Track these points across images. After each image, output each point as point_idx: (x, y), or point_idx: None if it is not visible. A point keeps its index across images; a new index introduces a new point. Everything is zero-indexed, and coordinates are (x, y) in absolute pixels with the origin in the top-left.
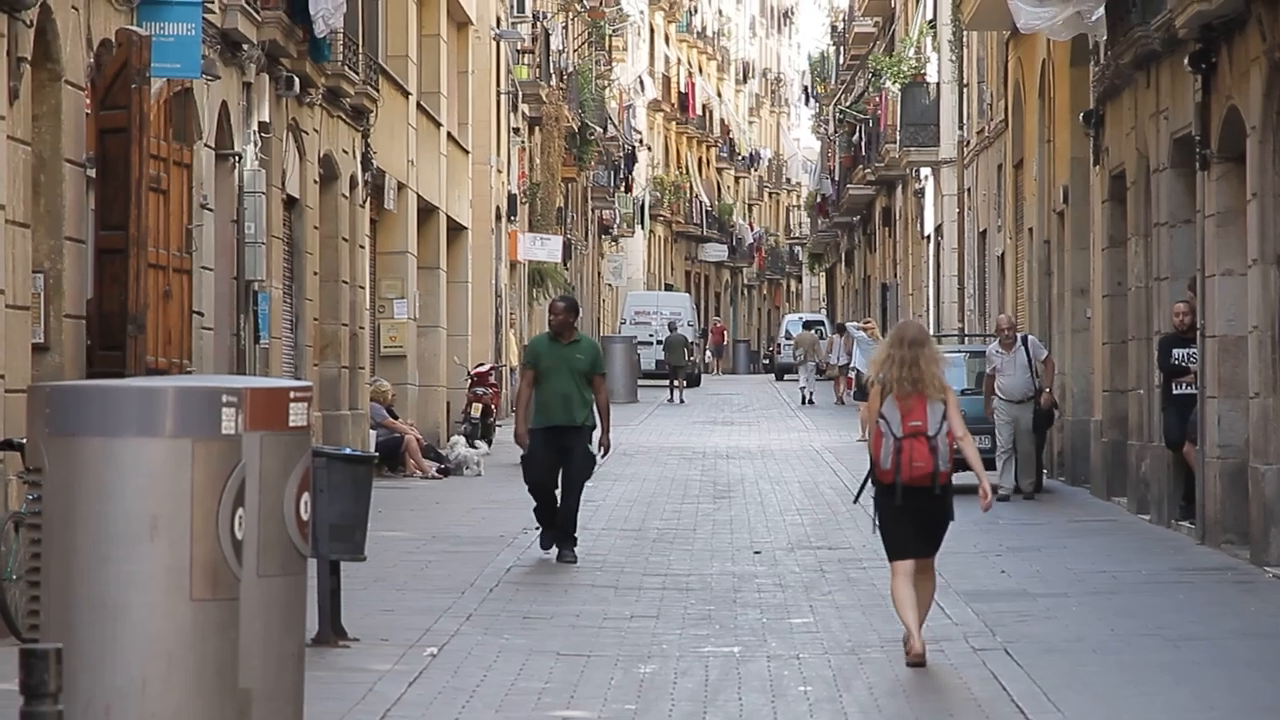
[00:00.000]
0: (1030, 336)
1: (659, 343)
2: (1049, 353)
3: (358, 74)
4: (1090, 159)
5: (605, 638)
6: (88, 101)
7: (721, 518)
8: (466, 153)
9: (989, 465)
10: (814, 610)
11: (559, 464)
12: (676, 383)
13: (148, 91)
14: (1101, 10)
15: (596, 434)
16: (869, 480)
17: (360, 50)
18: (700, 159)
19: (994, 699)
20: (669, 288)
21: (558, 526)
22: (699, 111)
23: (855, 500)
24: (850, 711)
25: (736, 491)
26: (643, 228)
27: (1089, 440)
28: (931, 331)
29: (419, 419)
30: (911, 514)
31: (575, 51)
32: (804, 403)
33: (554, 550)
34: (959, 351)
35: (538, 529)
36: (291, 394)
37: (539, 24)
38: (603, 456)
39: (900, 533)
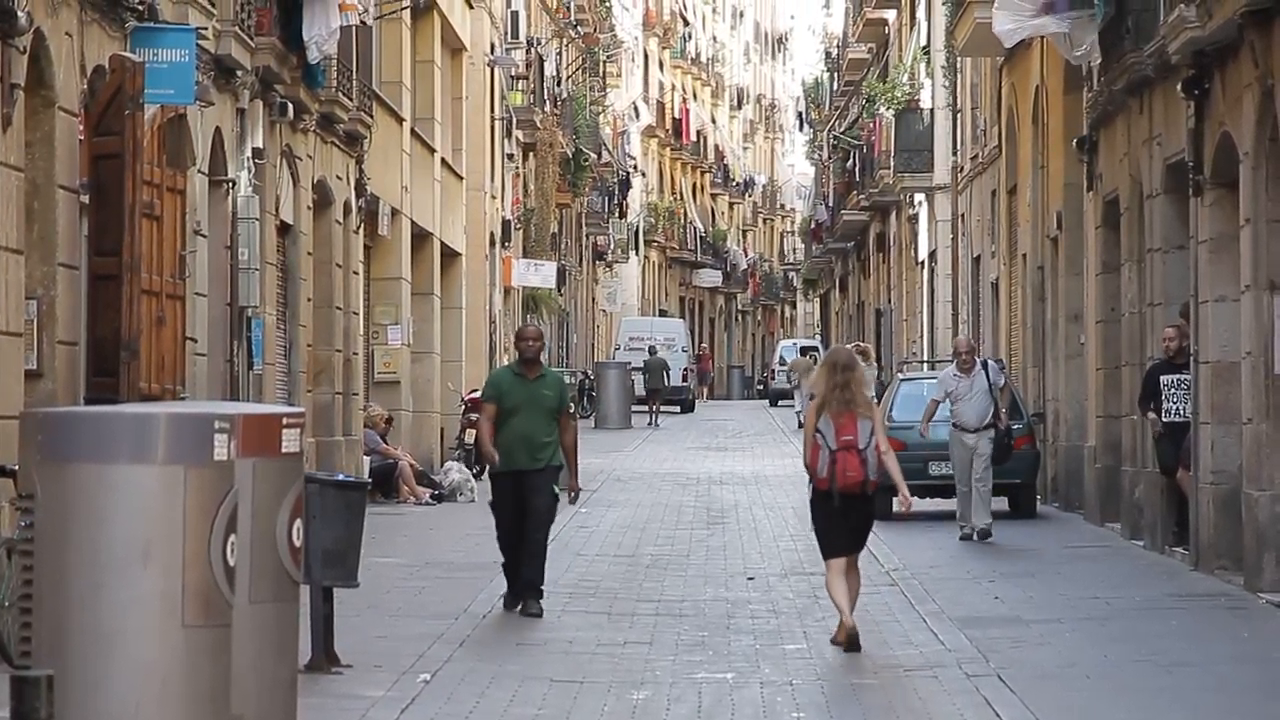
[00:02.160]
0: (990, 361)
1: None
2: (1008, 381)
3: (352, 100)
4: (1084, 184)
5: (598, 664)
6: (81, 127)
7: (715, 544)
8: (461, 179)
9: (942, 491)
10: (807, 636)
11: (524, 510)
12: (654, 406)
13: (141, 118)
14: (1090, 40)
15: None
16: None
17: (354, 76)
18: (694, 185)
19: None
20: (663, 313)
21: (522, 578)
22: (693, 137)
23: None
24: None
25: (730, 517)
26: (637, 253)
27: (1083, 466)
28: (925, 357)
29: (413, 445)
30: (843, 517)
31: (569, 77)
32: (800, 426)
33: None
34: None
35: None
36: (284, 420)
37: (533, 50)
38: (572, 501)
39: (834, 534)
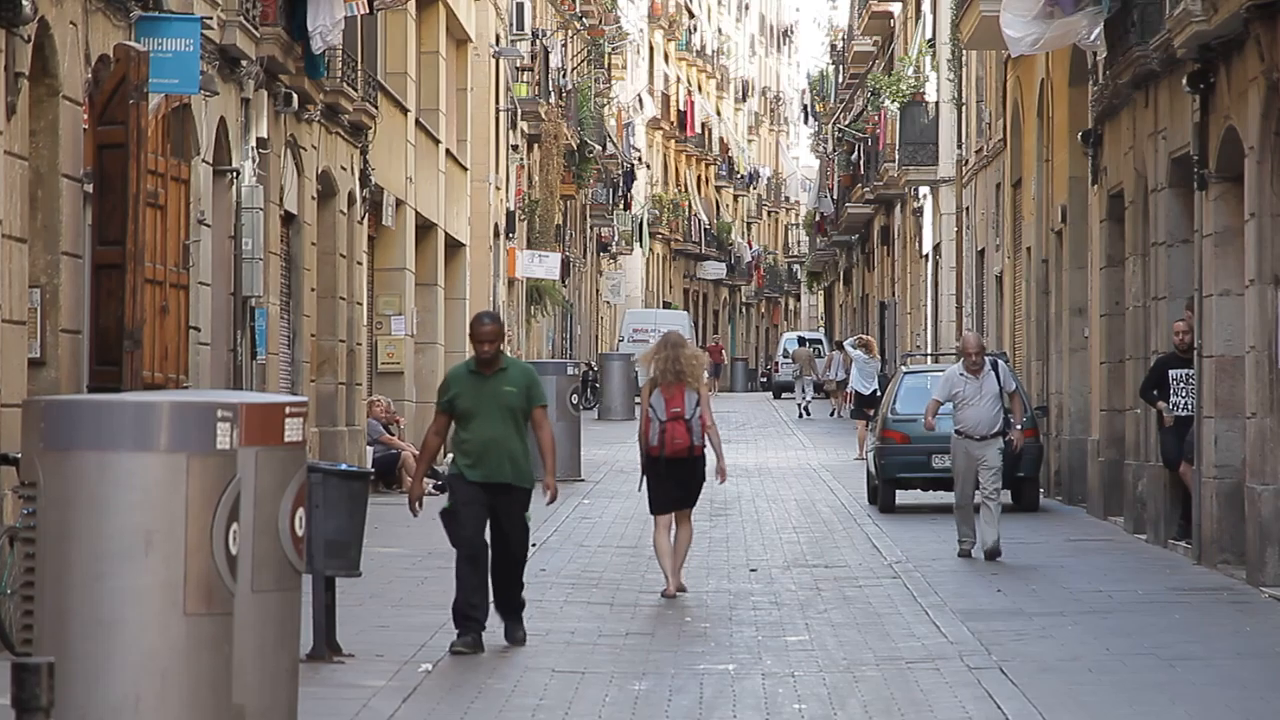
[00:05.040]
0: (1000, 361)
1: None
2: (1018, 385)
3: (356, 90)
4: (1088, 178)
5: (600, 655)
6: (85, 117)
7: (718, 535)
8: (465, 170)
9: (945, 484)
10: (809, 628)
11: (486, 522)
12: None
13: (146, 107)
14: (1099, 28)
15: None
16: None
17: (359, 67)
18: (699, 177)
19: (989, 718)
20: (667, 305)
21: (497, 606)
22: (698, 129)
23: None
24: None
25: (733, 509)
26: (641, 245)
27: (1086, 459)
28: (929, 350)
29: (416, 435)
30: (672, 479)
31: (574, 69)
32: (800, 416)
33: (476, 644)
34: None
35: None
36: (287, 409)
37: (538, 41)
38: (548, 503)
39: (662, 493)
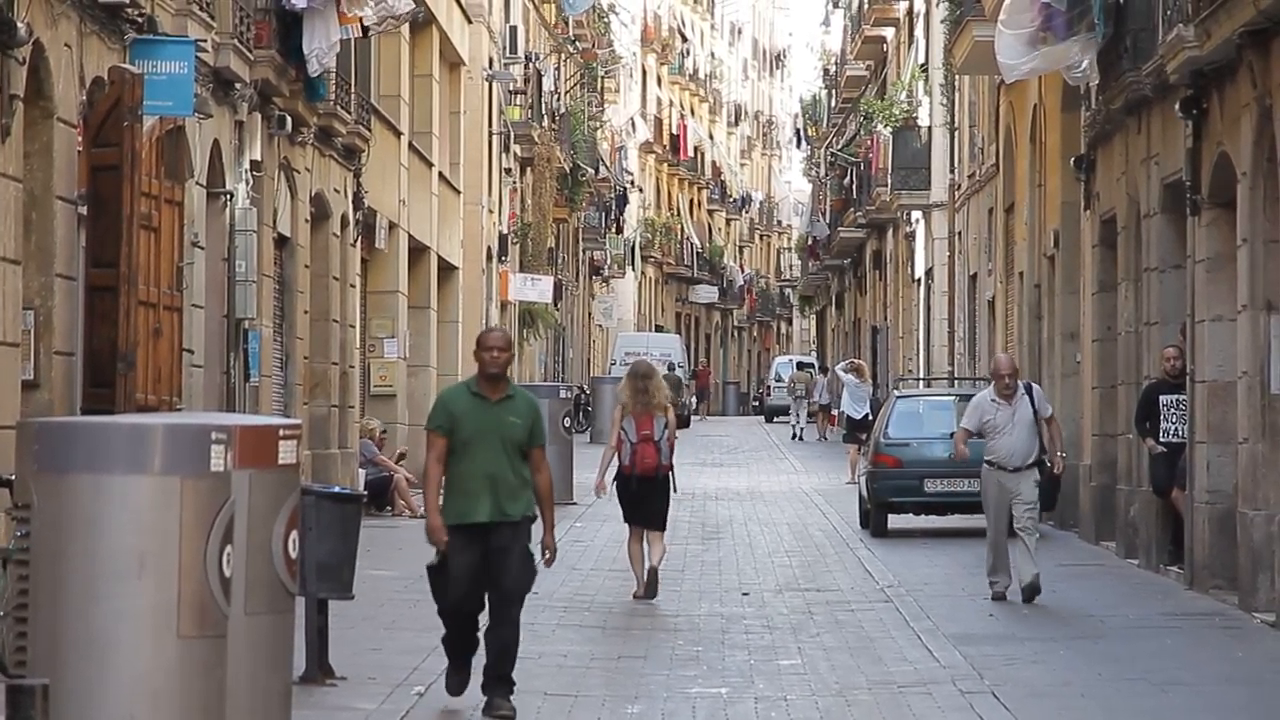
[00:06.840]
0: (1035, 385)
1: None
2: (1053, 410)
3: (350, 113)
4: (1081, 203)
5: (592, 678)
6: (80, 139)
7: (710, 559)
8: (458, 193)
9: (937, 508)
10: (801, 652)
11: (484, 576)
12: None
13: (139, 129)
14: (1088, 60)
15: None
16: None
17: (353, 90)
18: (691, 201)
19: None
20: (659, 329)
21: (486, 665)
22: (690, 153)
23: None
24: None
25: (725, 533)
26: (633, 269)
27: (1078, 484)
28: (921, 374)
29: (408, 458)
30: (641, 495)
31: (567, 93)
32: (793, 438)
33: (466, 692)
34: (949, 395)
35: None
36: (280, 432)
37: (531, 65)
38: (546, 564)
39: (633, 506)
